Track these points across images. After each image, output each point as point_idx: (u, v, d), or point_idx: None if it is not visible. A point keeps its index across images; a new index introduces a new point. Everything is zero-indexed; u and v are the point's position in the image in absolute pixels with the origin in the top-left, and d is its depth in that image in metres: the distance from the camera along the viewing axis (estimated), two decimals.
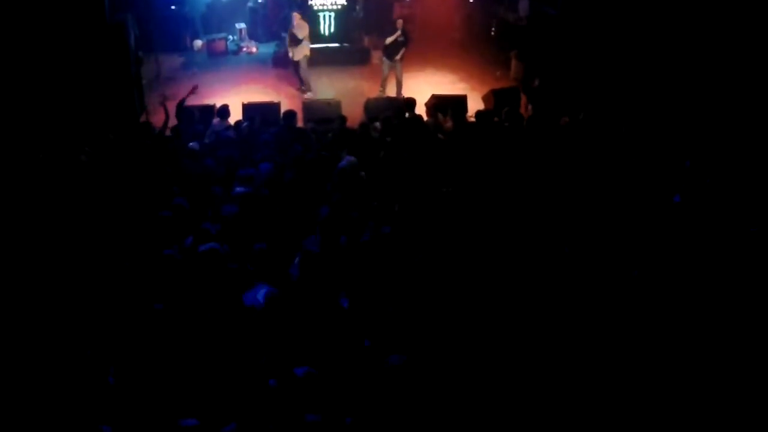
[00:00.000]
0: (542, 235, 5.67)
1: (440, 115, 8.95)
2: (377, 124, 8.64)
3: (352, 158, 6.91)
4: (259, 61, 13.58)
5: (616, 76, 9.73)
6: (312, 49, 12.10)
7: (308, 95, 11.53)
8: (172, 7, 13.98)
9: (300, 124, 9.55)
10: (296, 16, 11.70)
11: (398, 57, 11.22)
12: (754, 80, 8.15)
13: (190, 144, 7.45)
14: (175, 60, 13.37)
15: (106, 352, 4.19)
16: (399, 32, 11.16)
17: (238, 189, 6.19)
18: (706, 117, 8.36)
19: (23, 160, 7.07)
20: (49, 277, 4.94)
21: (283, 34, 13.84)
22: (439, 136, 8.21)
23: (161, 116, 8.48)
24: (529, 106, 10.33)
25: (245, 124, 8.61)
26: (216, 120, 8.98)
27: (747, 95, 8.17)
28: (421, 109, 9.56)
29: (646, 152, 7.36)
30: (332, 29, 13.32)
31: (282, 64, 13.04)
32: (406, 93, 11.09)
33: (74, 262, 5.15)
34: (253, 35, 14.45)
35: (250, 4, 14.58)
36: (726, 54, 8.45)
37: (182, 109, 8.66)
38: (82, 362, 4.01)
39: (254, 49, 14.14)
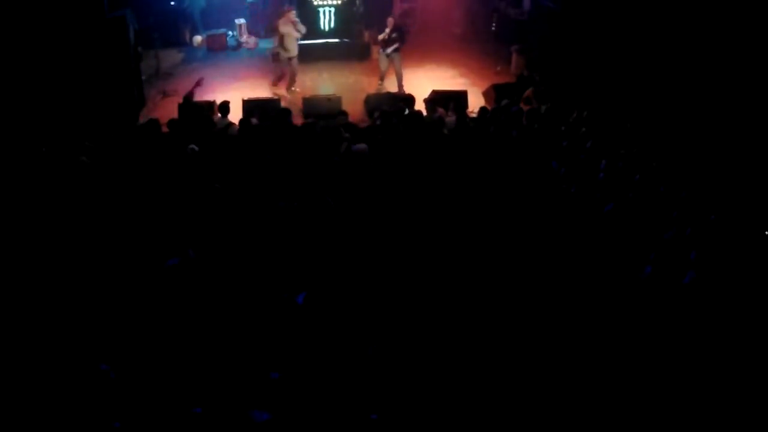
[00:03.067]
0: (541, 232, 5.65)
1: (442, 110, 8.92)
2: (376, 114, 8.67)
3: (363, 145, 6.88)
4: (258, 57, 13.53)
5: (618, 72, 9.69)
6: (312, 45, 12.04)
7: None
8: (172, 3, 13.93)
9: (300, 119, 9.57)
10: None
11: (390, 50, 11.11)
12: (756, 76, 8.11)
13: (190, 146, 7.37)
14: (175, 55, 13.32)
15: (106, 348, 4.18)
16: (388, 30, 11.08)
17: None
18: (707, 113, 8.32)
19: (23, 156, 7.04)
20: (50, 276, 4.93)
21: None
22: (444, 131, 8.19)
23: (161, 111, 8.45)
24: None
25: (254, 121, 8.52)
26: (217, 116, 8.96)
27: (749, 91, 8.13)
28: (420, 105, 9.53)
29: (648, 148, 7.33)
30: (332, 24, 13.27)
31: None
32: (406, 88, 11.05)
33: (75, 260, 5.14)
34: (252, 31, 14.40)
35: None
36: (727, 48, 8.40)
37: (188, 104, 8.60)
38: (81, 359, 4.00)
39: (253, 45, 14.09)
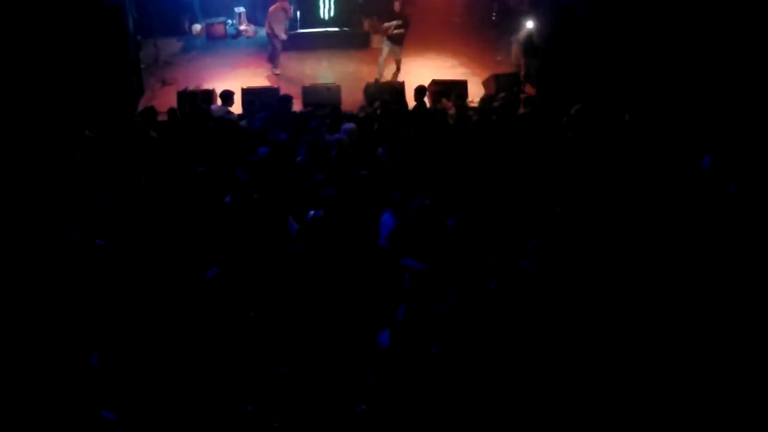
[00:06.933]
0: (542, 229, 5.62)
1: (447, 101, 8.92)
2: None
3: (351, 125, 6.87)
4: (258, 45, 13.46)
5: (619, 64, 9.66)
6: (312, 33, 11.98)
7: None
8: None
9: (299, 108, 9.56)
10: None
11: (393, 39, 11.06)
12: (759, 69, 8.08)
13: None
14: (174, 44, 13.26)
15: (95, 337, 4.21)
16: (398, 21, 11.04)
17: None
18: (711, 106, 8.28)
19: (21, 147, 7.02)
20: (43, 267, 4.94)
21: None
22: (449, 121, 8.20)
23: (160, 100, 8.45)
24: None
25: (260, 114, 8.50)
26: (216, 105, 8.94)
27: (753, 84, 8.10)
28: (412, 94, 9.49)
29: (648, 143, 7.30)
30: (332, 13, 13.20)
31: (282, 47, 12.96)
32: (407, 77, 11.02)
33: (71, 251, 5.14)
34: (252, 19, 14.33)
35: None
36: (731, 38, 8.38)
37: (184, 94, 8.60)
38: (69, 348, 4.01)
39: (252, 33, 14.03)
